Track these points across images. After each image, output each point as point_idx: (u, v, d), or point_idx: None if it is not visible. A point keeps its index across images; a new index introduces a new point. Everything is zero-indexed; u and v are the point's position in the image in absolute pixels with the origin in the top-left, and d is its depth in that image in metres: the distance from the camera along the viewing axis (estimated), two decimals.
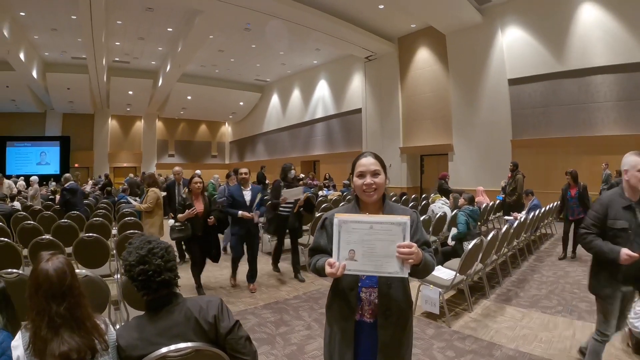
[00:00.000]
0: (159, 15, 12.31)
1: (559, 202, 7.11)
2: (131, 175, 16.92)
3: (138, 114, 23.49)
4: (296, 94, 20.19)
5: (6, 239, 4.84)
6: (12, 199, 9.51)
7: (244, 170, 5.52)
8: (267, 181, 13.62)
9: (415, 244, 1.55)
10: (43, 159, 21.98)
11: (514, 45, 11.21)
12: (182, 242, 5.80)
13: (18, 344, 1.60)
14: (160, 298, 1.69)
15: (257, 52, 16.17)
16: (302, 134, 19.81)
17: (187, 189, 5.66)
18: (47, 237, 4.96)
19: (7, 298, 2.05)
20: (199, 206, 5.04)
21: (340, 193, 12.16)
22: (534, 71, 10.78)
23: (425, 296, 4.09)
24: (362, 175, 1.74)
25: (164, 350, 1.57)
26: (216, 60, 17.19)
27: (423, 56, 13.77)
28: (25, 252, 5.28)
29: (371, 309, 1.76)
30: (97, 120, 22.80)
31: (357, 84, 16.42)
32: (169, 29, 13.51)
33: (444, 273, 4.30)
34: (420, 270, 1.62)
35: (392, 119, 14.67)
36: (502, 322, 3.95)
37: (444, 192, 9.13)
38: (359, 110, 16.24)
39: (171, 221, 4.99)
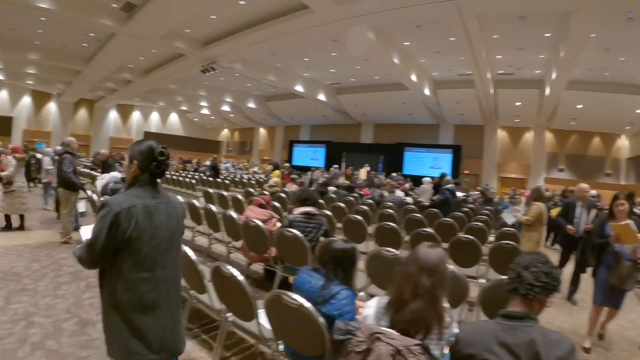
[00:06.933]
0: (533, 22, 12.57)
1: None
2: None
3: (527, 125, 23.75)
4: None
5: (393, 224, 6.04)
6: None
7: None
8: None
9: None
10: (436, 164, 25.18)
11: None
12: None
13: (372, 305, 1.99)
14: (516, 312, 1.74)
15: None
16: None
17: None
18: (429, 230, 5.76)
19: (354, 259, 2.62)
20: None
21: None
22: None
23: None
24: None
25: None
26: (604, 61, 15.64)
27: None
28: (407, 238, 6.14)
29: None
30: (486, 131, 24.63)
31: None
32: (546, 35, 13.59)
33: None
34: None
35: None
36: None
37: None
38: None
39: None
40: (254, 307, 2.74)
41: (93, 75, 22.79)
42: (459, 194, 12.86)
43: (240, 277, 2.76)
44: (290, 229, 4.57)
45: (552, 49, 14.75)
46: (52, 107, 31.15)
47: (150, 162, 2.09)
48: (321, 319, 2.20)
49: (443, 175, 11.49)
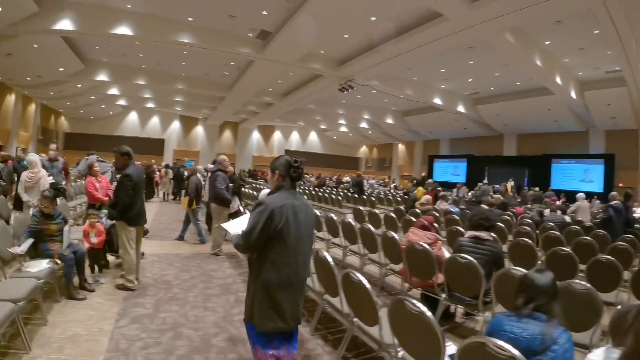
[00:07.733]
0: None
1: None
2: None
3: None
4: None
5: (567, 249, 5.37)
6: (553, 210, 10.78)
7: None
8: None
9: None
10: (587, 177, 22.62)
11: None
12: None
13: (595, 359, 1.75)
14: None
15: None
16: None
17: None
18: (605, 256, 4.97)
19: (556, 290, 2.30)
20: None
21: None
22: None
23: None
24: None
25: None
26: None
27: None
28: (582, 267, 5.34)
29: None
30: None
31: None
32: None
33: None
34: None
35: None
36: None
37: None
38: None
39: None
40: (442, 350, 2.43)
41: (235, 100, 24.96)
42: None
43: (429, 314, 2.49)
44: (463, 255, 4.18)
45: None
46: (199, 129, 35.38)
47: (289, 170, 2.71)
48: None
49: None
